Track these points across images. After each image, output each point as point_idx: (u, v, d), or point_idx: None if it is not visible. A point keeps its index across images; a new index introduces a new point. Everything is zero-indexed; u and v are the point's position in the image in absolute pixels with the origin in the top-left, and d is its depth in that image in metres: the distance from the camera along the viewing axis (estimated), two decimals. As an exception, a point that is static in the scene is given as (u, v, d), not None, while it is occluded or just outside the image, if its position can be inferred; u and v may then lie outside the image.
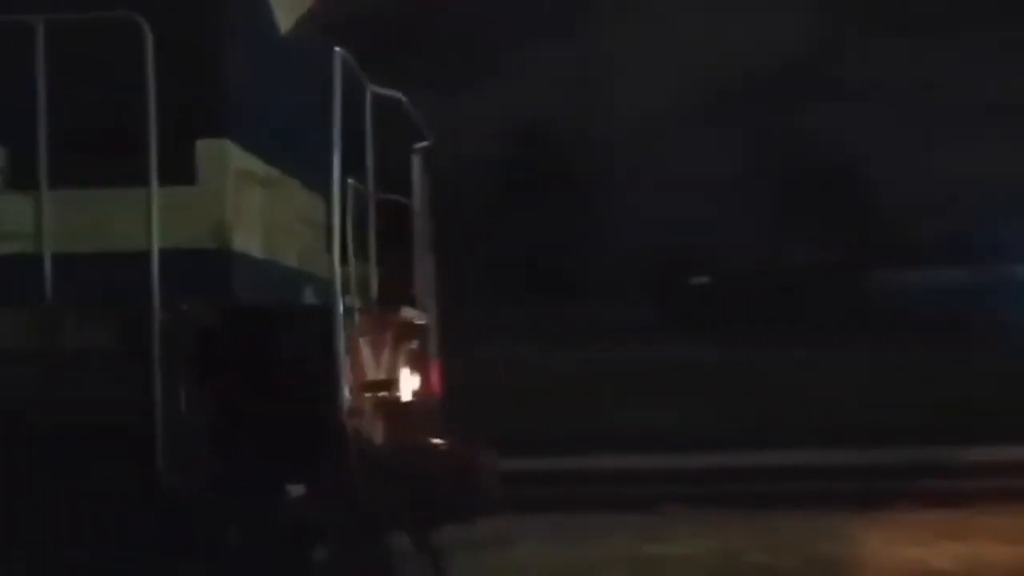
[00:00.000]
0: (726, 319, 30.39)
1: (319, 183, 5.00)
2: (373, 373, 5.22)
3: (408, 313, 5.80)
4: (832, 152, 36.83)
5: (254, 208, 4.47)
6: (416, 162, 5.70)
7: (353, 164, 4.97)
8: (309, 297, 5.07)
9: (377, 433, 5.10)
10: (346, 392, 4.41)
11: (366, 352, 5.12)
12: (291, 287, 4.95)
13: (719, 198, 36.15)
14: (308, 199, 5.21)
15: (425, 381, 5.94)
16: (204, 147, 4.16)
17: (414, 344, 5.95)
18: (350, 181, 4.90)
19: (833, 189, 36.40)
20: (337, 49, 4.62)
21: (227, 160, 4.19)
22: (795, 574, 7.05)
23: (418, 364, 5.92)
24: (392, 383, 5.39)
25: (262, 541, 4.31)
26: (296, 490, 4.35)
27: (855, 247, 35.53)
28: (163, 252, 4.09)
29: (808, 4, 35.03)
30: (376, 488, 4.39)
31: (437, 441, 5.14)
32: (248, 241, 4.38)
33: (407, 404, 5.53)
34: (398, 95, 5.17)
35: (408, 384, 5.69)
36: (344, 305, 4.62)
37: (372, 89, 5.10)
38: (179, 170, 4.12)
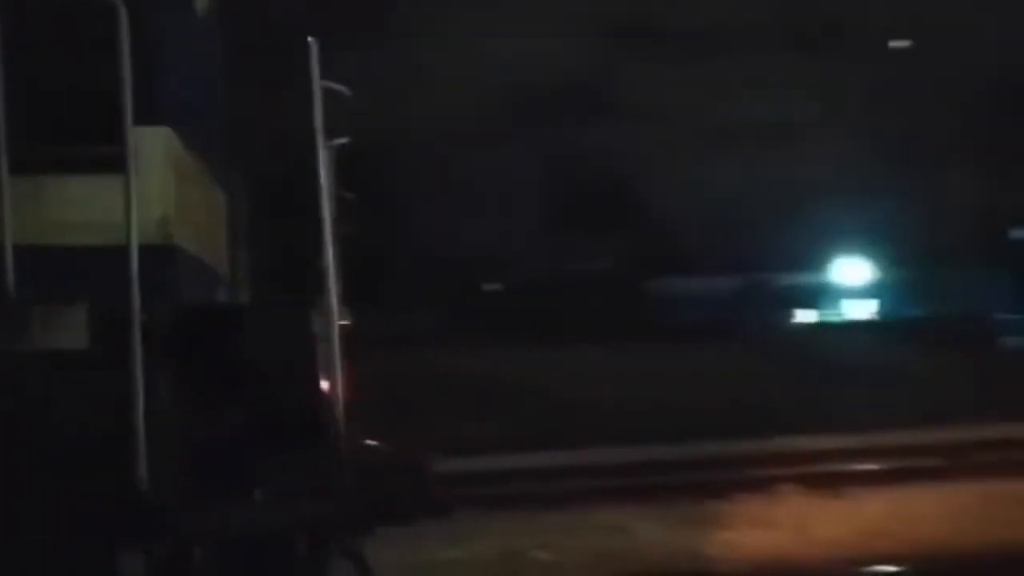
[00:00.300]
0: (516, 325, 30.91)
1: (220, 174, 4.74)
2: None
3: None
4: (615, 168, 38.23)
5: (186, 199, 4.22)
6: (327, 157, 5.47)
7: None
8: (221, 295, 4.79)
9: None
10: (340, 392, 4.15)
11: None
12: (213, 284, 4.71)
13: (511, 209, 36.78)
14: (214, 191, 4.95)
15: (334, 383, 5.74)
16: (143, 135, 3.86)
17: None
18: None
19: (616, 202, 37.79)
20: (310, 39, 4.36)
21: (167, 148, 3.94)
22: (576, 569, 7.19)
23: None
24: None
25: (250, 547, 4.02)
26: (292, 493, 4.02)
27: (635, 257, 37.00)
28: (104, 246, 3.76)
29: (592, 29, 36.30)
30: (364, 489, 4.16)
31: (373, 442, 4.93)
32: (183, 235, 4.13)
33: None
34: (344, 90, 4.94)
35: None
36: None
37: (322, 83, 4.82)
38: (117, 157, 3.81)
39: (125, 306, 3.69)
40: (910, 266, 33.92)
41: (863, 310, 35.05)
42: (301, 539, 4.11)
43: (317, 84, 4.30)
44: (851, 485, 10.07)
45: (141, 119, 3.84)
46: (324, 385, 4.23)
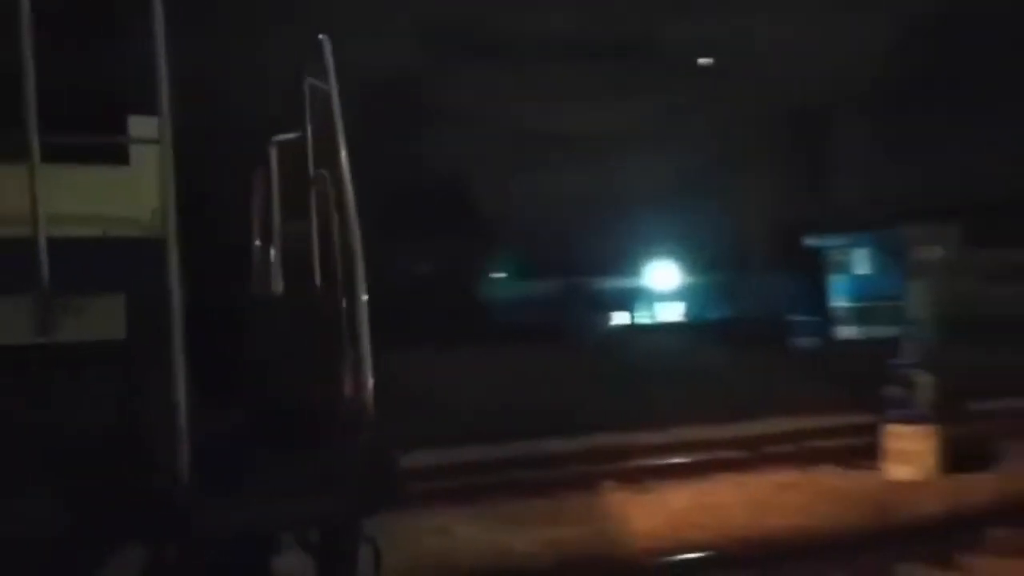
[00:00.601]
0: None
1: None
2: None
3: None
4: (442, 172, 38.31)
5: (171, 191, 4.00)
6: (273, 154, 5.18)
7: None
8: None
9: None
10: (370, 385, 3.90)
11: None
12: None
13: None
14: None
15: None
16: (137, 124, 3.70)
17: None
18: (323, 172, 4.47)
19: (442, 206, 37.89)
20: (321, 36, 4.21)
21: (161, 139, 3.68)
22: (402, 571, 7.11)
23: None
24: None
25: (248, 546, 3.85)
26: (298, 489, 3.76)
27: (462, 260, 37.18)
28: (94, 238, 3.54)
29: (419, 33, 36.27)
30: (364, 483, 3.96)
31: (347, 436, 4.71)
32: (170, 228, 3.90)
33: None
34: (326, 87, 4.69)
35: None
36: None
37: (309, 80, 4.63)
38: (112, 147, 3.67)
39: (157, 298, 3.52)
40: (716, 271, 35.52)
41: (673, 312, 36.45)
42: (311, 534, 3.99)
43: (334, 82, 4.18)
44: (662, 479, 10.42)
45: (134, 108, 3.73)
46: (338, 380, 4.08)
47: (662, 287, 37.15)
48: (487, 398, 16.21)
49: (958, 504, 8.76)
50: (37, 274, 3.43)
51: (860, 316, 27.40)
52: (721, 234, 34.99)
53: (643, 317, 36.81)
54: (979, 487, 9.41)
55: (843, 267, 29.10)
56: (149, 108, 3.74)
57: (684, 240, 35.87)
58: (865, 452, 10.80)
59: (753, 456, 11.69)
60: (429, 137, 36.62)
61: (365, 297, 4.05)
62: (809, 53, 36.66)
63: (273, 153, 4.98)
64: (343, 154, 4.21)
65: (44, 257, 3.44)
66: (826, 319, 28.31)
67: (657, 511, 8.91)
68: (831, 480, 10.24)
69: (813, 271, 29.36)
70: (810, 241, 30.03)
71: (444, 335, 25.83)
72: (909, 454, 10.13)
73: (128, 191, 3.73)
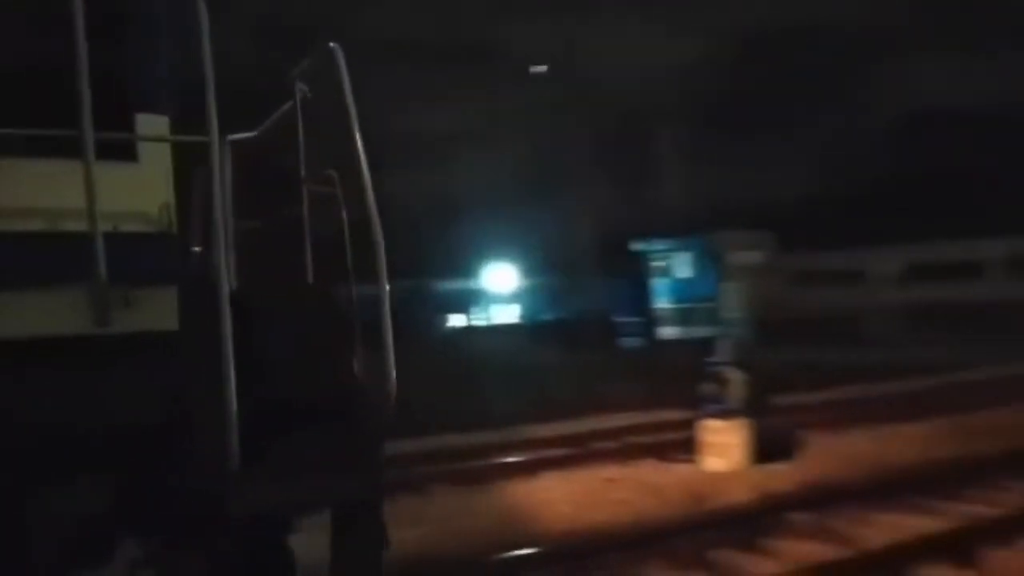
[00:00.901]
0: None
1: None
2: None
3: None
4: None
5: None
6: (226, 152, 5.10)
7: None
8: None
9: None
10: (393, 376, 3.92)
11: None
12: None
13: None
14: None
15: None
16: (144, 122, 3.73)
17: None
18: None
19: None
20: (333, 45, 4.17)
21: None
22: None
23: None
24: None
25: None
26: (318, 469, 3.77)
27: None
28: (105, 234, 3.45)
29: (260, 30, 35.46)
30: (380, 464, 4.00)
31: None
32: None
33: None
34: (306, 90, 4.69)
35: None
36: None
37: (300, 86, 4.56)
38: (122, 144, 3.65)
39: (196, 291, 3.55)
40: (548, 273, 36.31)
41: (508, 314, 36.98)
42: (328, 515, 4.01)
43: (348, 88, 4.16)
44: (495, 478, 10.62)
45: (141, 106, 3.70)
46: (350, 368, 4.13)
47: (497, 289, 37.63)
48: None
49: (764, 492, 9.36)
50: (94, 266, 3.42)
51: (681, 317, 28.65)
52: (553, 238, 35.79)
53: (479, 318, 37.18)
54: (783, 476, 10.07)
55: (666, 271, 30.33)
56: (152, 106, 3.80)
57: (518, 243, 36.48)
58: (683, 446, 11.34)
59: (580, 453, 12.05)
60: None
61: (387, 288, 4.11)
62: (638, 65, 38.04)
63: (227, 152, 4.94)
64: (361, 153, 4.24)
65: (101, 250, 3.41)
66: (649, 320, 29.43)
67: (489, 510, 9.09)
68: (651, 474, 10.70)
69: (638, 274, 30.46)
70: (635, 245, 31.15)
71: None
72: (722, 447, 10.71)
73: (137, 187, 3.73)
